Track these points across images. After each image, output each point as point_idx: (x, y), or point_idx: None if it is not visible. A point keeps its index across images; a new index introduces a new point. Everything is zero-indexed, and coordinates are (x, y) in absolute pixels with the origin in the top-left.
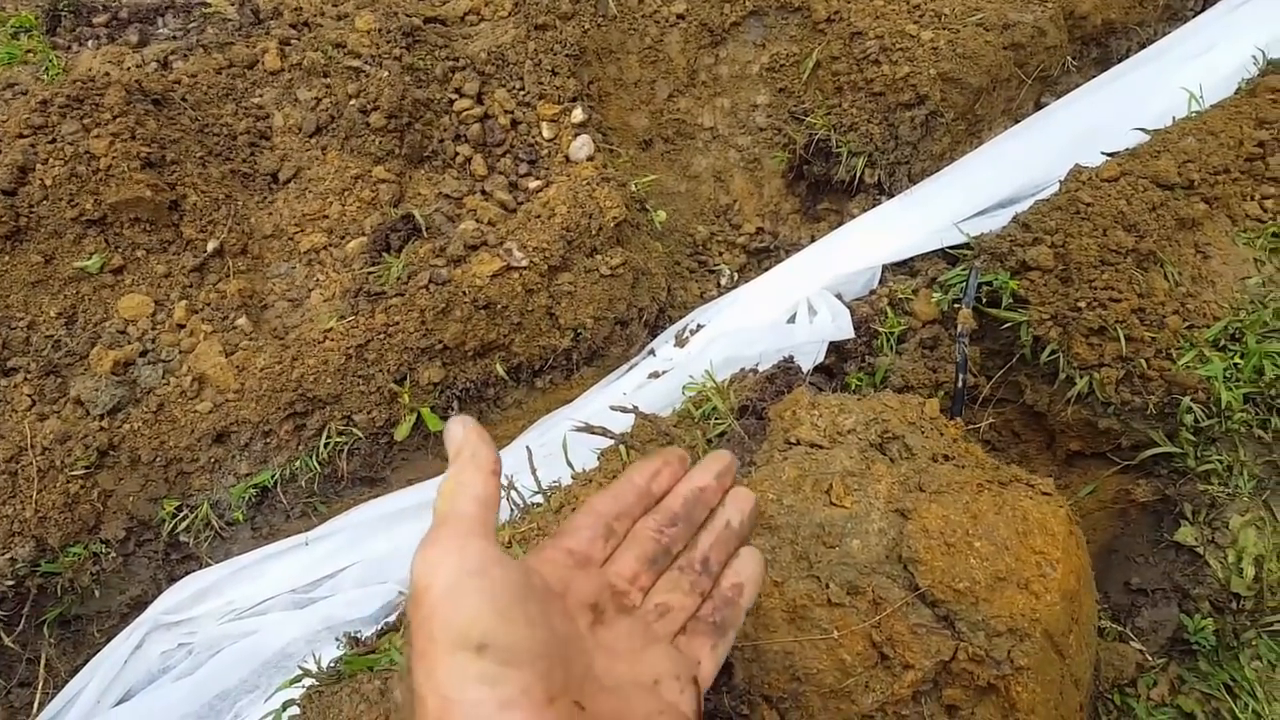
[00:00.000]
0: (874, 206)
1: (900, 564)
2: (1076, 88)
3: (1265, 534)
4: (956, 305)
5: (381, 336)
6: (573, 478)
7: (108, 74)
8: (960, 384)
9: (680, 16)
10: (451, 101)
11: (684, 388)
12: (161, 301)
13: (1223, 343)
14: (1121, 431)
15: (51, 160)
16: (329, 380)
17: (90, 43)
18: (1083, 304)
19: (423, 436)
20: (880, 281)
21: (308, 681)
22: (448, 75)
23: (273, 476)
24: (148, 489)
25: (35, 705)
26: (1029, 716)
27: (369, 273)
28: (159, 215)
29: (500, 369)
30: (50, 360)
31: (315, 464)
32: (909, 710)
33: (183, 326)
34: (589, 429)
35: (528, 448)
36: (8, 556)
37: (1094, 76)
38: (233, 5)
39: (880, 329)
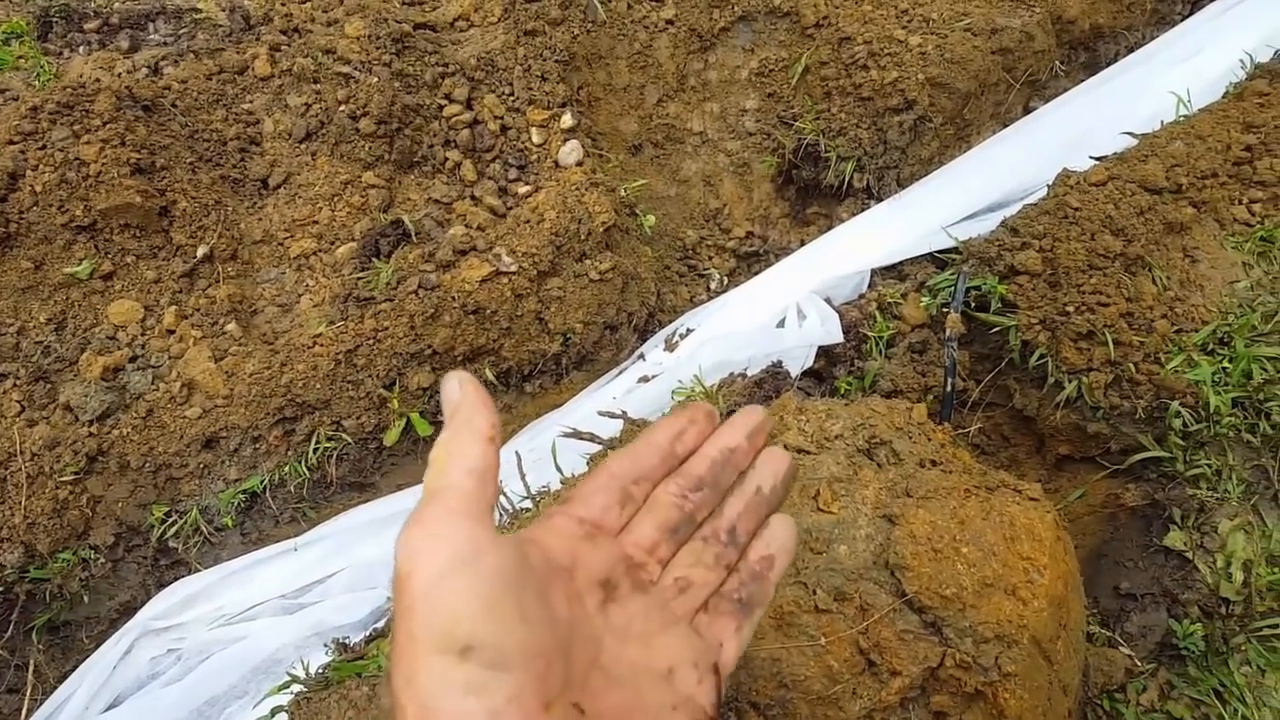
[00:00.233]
0: (863, 211)
1: (887, 570)
2: (1065, 92)
3: (1254, 538)
4: (945, 309)
5: (371, 342)
6: (562, 483)
7: (98, 80)
8: (949, 388)
9: (669, 22)
10: (441, 107)
11: (673, 392)
12: (151, 307)
13: (1211, 347)
14: (1110, 436)
15: (42, 166)
16: (318, 385)
17: (82, 48)
18: (1071, 308)
19: (412, 441)
20: (869, 286)
21: (296, 687)
22: (437, 81)
23: (262, 482)
24: (137, 495)
25: (24, 711)
26: None
27: (358, 278)
28: (149, 221)
29: (489, 373)
30: (40, 366)
31: (304, 469)
32: (897, 717)
33: (172, 332)
34: (577, 435)
35: (517, 452)
36: None
37: (1082, 81)
38: (223, 11)
39: (869, 333)
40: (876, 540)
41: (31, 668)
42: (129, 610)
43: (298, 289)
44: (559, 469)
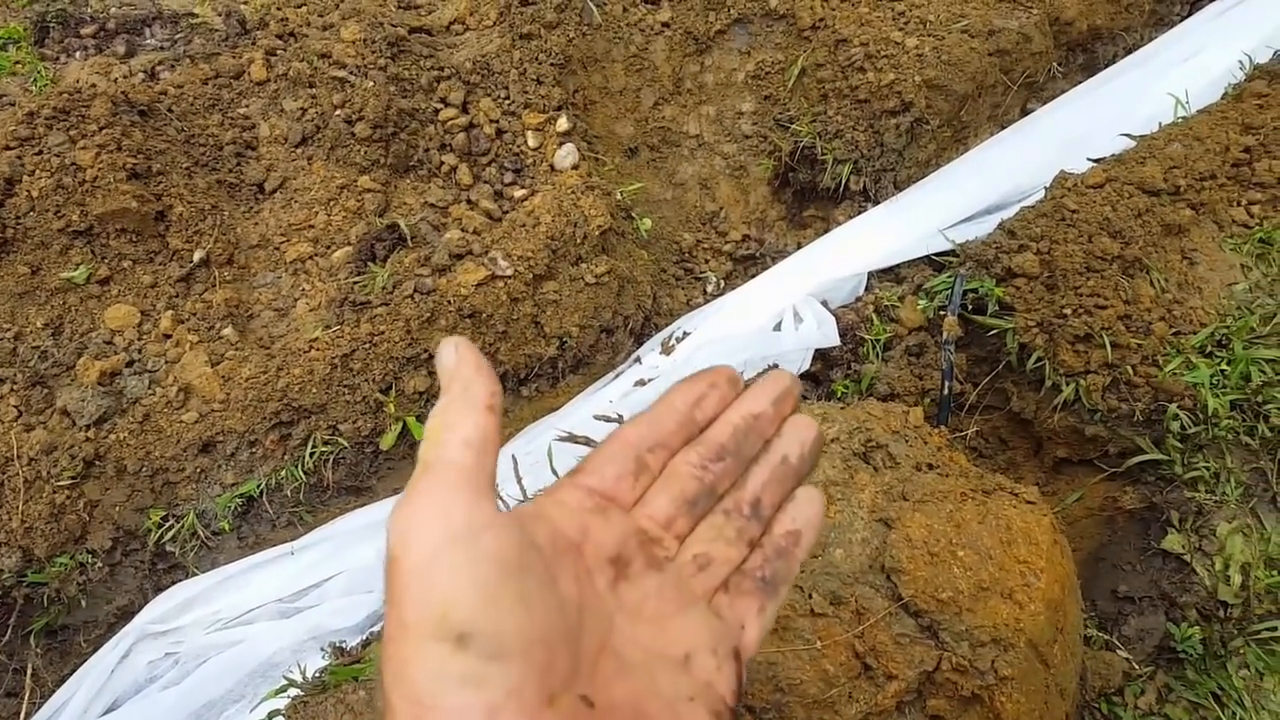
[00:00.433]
0: (860, 213)
1: (883, 574)
2: (1062, 94)
3: (1252, 541)
4: (942, 312)
5: (367, 346)
6: None
7: (94, 85)
8: (946, 391)
9: (665, 25)
10: (437, 111)
11: None
12: (148, 312)
13: (1209, 349)
14: (1108, 438)
15: (38, 172)
16: (314, 390)
17: (78, 54)
18: (1068, 311)
19: (409, 445)
20: (866, 288)
21: (293, 691)
22: (433, 85)
23: (258, 486)
24: (134, 499)
25: (22, 714)
26: None
27: (354, 282)
28: (145, 226)
29: None
30: (37, 371)
31: (301, 473)
32: None
33: (169, 337)
34: (573, 438)
35: (513, 456)
36: None
37: (1080, 82)
38: (219, 16)
39: (866, 336)
40: (872, 544)
41: (30, 671)
42: (127, 614)
43: (294, 293)
44: (555, 473)
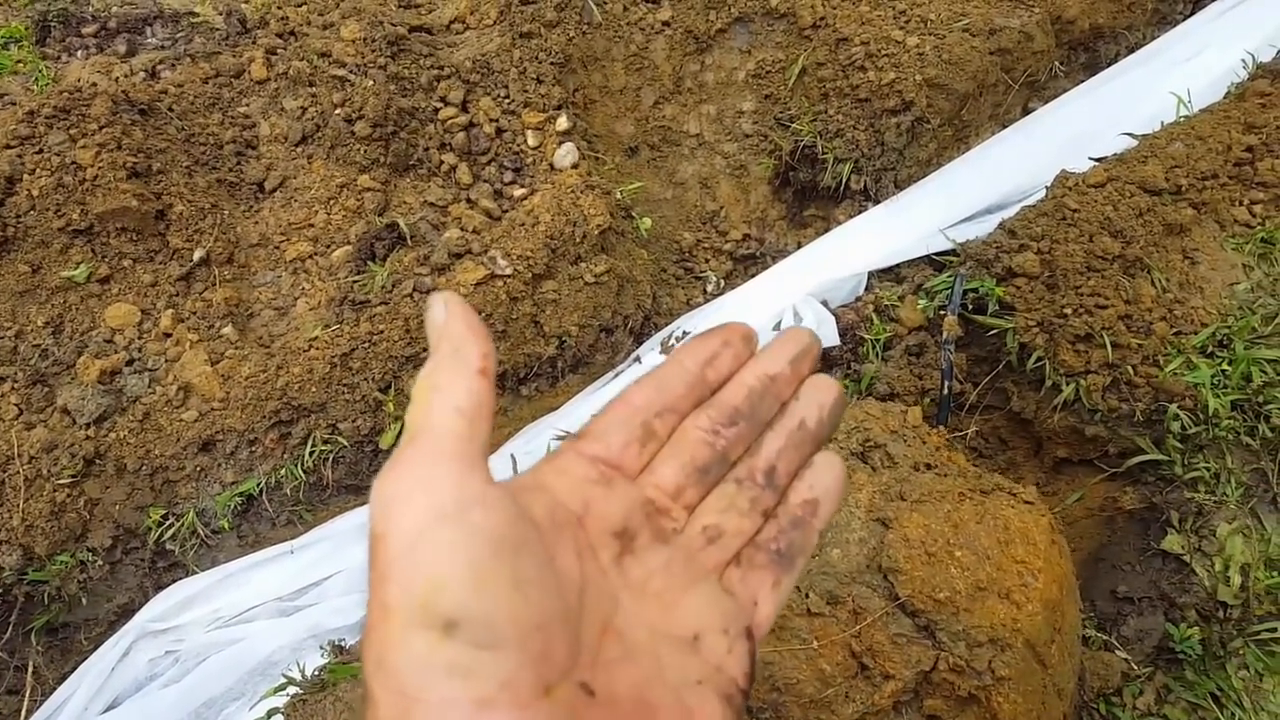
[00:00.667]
0: (860, 213)
1: (881, 573)
2: (1064, 93)
3: (1252, 542)
4: (942, 312)
5: (366, 345)
6: None
7: (94, 84)
8: (946, 391)
9: (666, 23)
10: (436, 110)
11: None
12: (148, 311)
13: (1210, 349)
14: (1109, 438)
15: (38, 170)
16: (314, 389)
17: (79, 53)
18: (1069, 310)
19: None
20: (866, 288)
21: (292, 690)
22: (433, 84)
23: (258, 485)
24: (134, 497)
25: (23, 712)
26: None
27: (354, 281)
28: (145, 225)
29: None
30: (37, 369)
31: (300, 472)
32: None
33: (169, 335)
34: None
35: (512, 456)
36: None
37: (1082, 81)
38: (220, 15)
39: (866, 336)
40: (870, 544)
41: (30, 669)
42: (127, 612)
43: (293, 292)
44: None
